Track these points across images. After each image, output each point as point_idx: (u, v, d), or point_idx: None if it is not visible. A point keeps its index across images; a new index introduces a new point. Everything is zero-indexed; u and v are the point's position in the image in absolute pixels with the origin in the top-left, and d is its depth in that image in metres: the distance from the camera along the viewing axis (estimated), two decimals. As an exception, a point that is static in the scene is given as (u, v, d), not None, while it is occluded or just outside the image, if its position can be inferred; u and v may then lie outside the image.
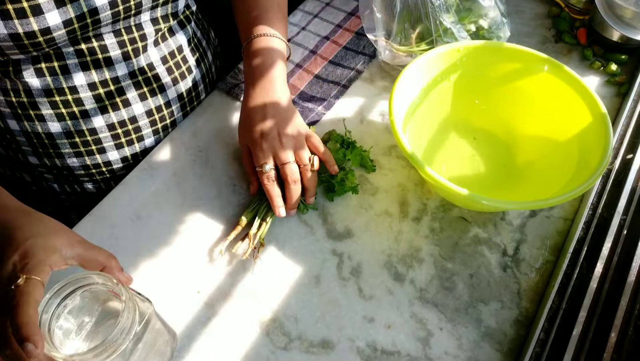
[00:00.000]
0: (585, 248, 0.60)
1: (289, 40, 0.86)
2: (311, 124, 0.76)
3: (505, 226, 0.66)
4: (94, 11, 0.59)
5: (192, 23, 0.77)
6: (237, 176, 0.71)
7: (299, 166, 0.65)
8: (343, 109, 0.78)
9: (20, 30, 0.56)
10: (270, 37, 0.71)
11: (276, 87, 0.68)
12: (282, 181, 0.65)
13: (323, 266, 0.63)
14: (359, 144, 0.71)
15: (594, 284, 0.56)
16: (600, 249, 0.59)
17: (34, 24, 0.56)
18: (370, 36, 0.78)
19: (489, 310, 0.59)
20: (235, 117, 0.77)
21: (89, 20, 0.60)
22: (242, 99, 0.70)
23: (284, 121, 0.66)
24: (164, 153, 0.73)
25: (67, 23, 0.58)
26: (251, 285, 0.61)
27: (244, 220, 0.64)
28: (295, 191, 0.64)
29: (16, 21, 0.55)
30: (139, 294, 0.48)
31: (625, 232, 0.60)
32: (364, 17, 0.77)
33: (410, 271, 0.62)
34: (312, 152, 0.67)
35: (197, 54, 0.78)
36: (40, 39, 0.57)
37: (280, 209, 0.64)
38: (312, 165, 0.65)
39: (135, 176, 0.71)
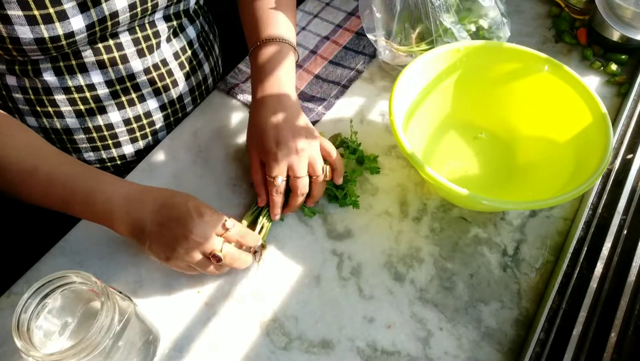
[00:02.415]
0: (585, 248, 0.60)
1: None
2: (311, 124, 0.76)
3: (505, 226, 0.66)
4: (115, 14, 0.61)
5: (201, 17, 0.79)
6: (237, 176, 0.71)
7: (310, 177, 0.63)
8: (343, 109, 0.78)
9: (46, 35, 0.57)
10: (280, 43, 0.69)
11: (287, 95, 0.66)
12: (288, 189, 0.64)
13: (323, 266, 0.63)
14: (362, 148, 0.71)
15: (594, 284, 0.56)
16: (600, 249, 0.59)
17: (59, 29, 0.57)
18: (370, 36, 0.78)
19: (489, 310, 0.59)
20: (236, 118, 0.77)
21: (109, 23, 0.62)
22: (250, 105, 0.67)
23: (299, 132, 0.63)
24: (164, 153, 0.73)
25: (89, 27, 0.60)
26: (251, 285, 0.61)
27: (244, 223, 0.64)
28: (300, 201, 0.64)
29: (42, 26, 0.56)
30: (120, 292, 0.48)
31: (625, 232, 0.60)
32: (363, 17, 0.77)
33: (410, 271, 0.62)
34: (324, 159, 0.65)
35: (206, 48, 0.80)
36: (64, 42, 0.59)
37: (277, 216, 0.64)
38: (325, 175, 0.64)
39: (135, 176, 0.71)
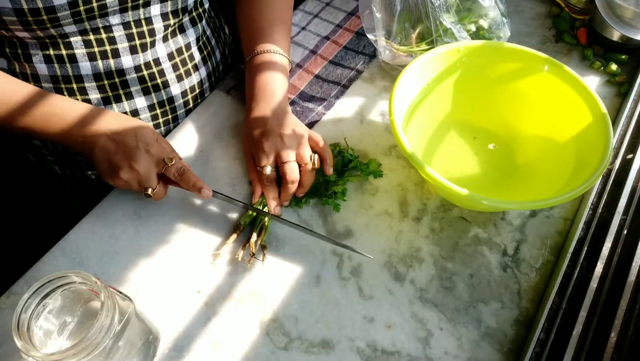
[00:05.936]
0: (585, 248, 0.60)
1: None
2: (311, 124, 0.76)
3: (506, 226, 0.66)
4: None
5: (204, 21, 0.78)
6: (237, 176, 0.71)
7: (299, 166, 0.66)
8: (343, 109, 0.78)
9: (25, 7, 0.56)
10: (273, 54, 0.73)
11: (277, 100, 0.69)
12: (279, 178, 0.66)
13: (323, 266, 0.63)
14: (363, 148, 0.71)
15: (594, 284, 0.56)
16: (600, 249, 0.59)
17: (39, 2, 0.56)
18: (370, 36, 0.78)
19: (489, 310, 0.59)
20: (236, 118, 0.77)
21: (95, 4, 0.60)
22: (245, 111, 0.72)
23: (285, 123, 0.67)
24: (164, 153, 0.73)
25: (72, 4, 0.58)
26: (251, 285, 0.61)
27: (242, 225, 0.64)
28: (292, 189, 0.65)
29: None
30: (120, 292, 0.48)
31: (625, 232, 0.60)
32: (363, 17, 0.77)
33: (410, 271, 0.62)
34: (313, 150, 0.68)
35: (205, 53, 0.78)
36: (44, 17, 0.58)
37: (277, 208, 0.66)
38: (313, 163, 0.66)
39: (135, 176, 0.71)
